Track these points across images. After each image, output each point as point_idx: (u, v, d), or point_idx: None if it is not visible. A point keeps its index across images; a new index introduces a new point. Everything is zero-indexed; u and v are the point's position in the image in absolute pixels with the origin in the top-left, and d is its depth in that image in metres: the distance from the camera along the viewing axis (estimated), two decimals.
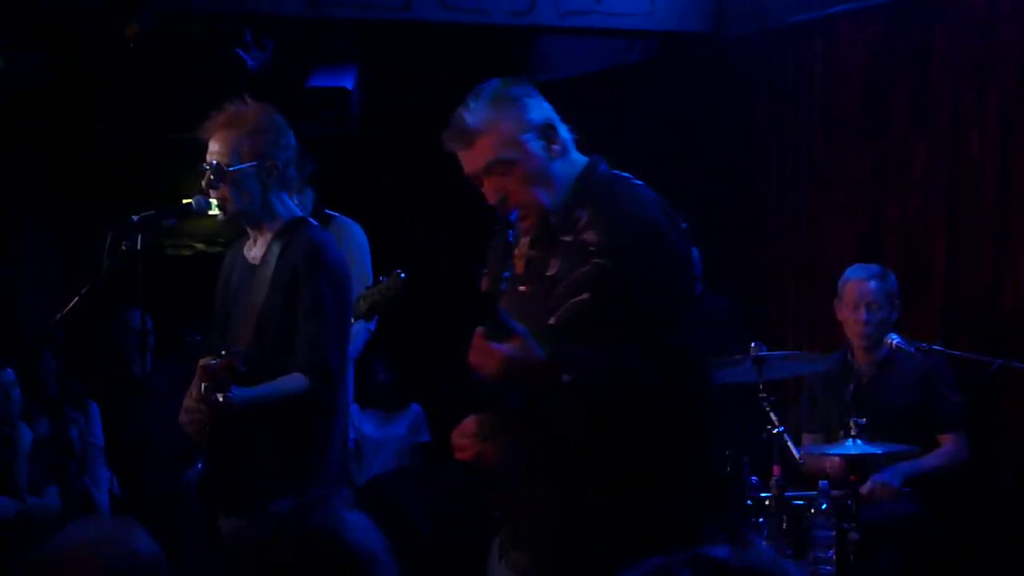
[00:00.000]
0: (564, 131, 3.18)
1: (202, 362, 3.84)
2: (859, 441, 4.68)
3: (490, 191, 3.14)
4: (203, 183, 4.01)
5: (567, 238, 3.08)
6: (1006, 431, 5.53)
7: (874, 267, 5.44)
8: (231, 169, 3.95)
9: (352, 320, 4.33)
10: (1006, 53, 5.65)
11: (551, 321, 3.01)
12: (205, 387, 3.78)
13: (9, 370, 5.96)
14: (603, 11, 6.93)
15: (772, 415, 4.88)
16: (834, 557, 4.59)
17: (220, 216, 4.06)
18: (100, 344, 6.86)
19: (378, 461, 7.49)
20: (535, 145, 3.11)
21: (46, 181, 8.35)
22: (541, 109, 3.17)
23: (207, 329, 4.39)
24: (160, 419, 6.12)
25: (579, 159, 3.20)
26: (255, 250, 4.10)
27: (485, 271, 3.24)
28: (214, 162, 3.97)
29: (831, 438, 5.17)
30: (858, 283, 5.35)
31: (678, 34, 7.27)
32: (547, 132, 3.13)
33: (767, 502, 4.86)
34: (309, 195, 5.36)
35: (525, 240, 3.18)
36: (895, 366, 5.25)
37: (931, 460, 5.18)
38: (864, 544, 4.65)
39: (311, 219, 4.19)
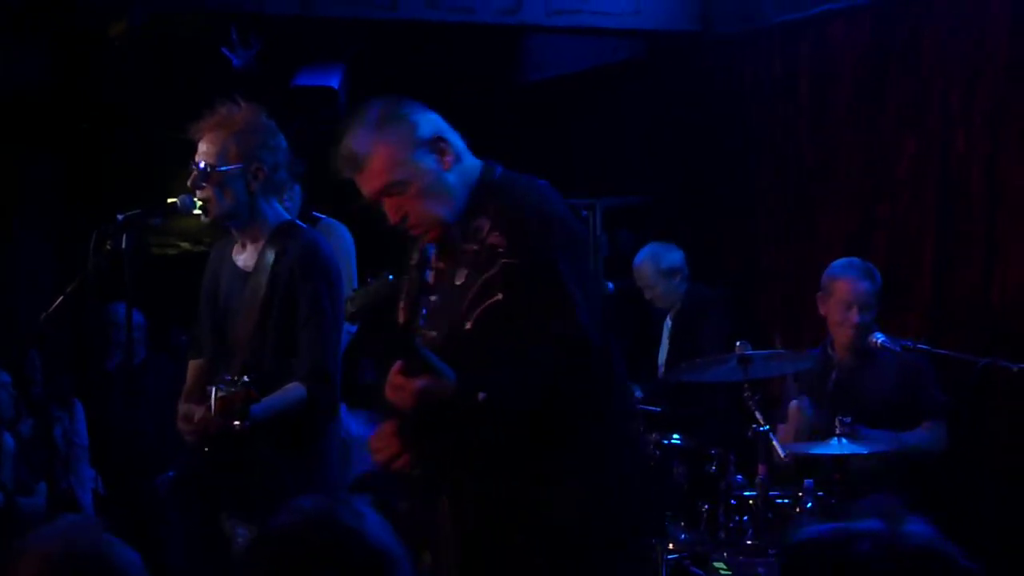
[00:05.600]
0: (455, 139, 3.19)
1: (216, 391, 3.77)
2: (844, 440, 4.66)
3: (390, 211, 3.17)
4: (189, 183, 4.00)
5: (472, 247, 3.10)
6: (992, 430, 5.54)
7: (860, 262, 5.30)
8: (217, 170, 3.94)
9: None
10: (994, 52, 5.65)
11: (467, 327, 3.05)
12: (221, 415, 3.75)
13: (4, 373, 5.94)
14: (590, 10, 6.93)
15: (757, 414, 4.86)
16: None
17: (203, 218, 4.03)
18: (86, 342, 6.83)
19: (365, 460, 7.46)
20: (427, 161, 3.13)
21: (43, 182, 8.30)
22: (429, 123, 3.17)
23: (192, 328, 4.37)
24: (147, 416, 6.09)
25: (473, 166, 3.20)
26: (245, 256, 4.08)
27: (402, 300, 3.19)
28: (201, 163, 3.96)
29: (815, 431, 5.15)
30: (851, 283, 5.20)
31: (665, 33, 7.27)
32: (437, 145, 3.14)
33: (752, 501, 4.85)
34: (297, 191, 5.32)
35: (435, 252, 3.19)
36: (876, 358, 5.19)
37: (909, 437, 5.12)
38: None
39: (300, 222, 4.17)
